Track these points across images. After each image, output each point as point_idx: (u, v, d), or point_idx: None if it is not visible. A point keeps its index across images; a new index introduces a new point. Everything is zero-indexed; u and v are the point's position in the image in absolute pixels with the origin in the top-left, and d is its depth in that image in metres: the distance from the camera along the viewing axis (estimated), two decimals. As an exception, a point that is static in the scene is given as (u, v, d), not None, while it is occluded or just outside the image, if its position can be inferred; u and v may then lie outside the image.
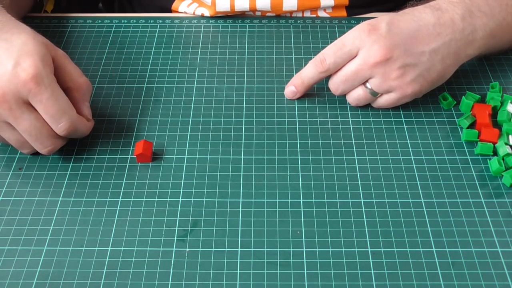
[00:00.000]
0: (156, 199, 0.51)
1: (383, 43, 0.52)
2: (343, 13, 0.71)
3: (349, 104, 0.59)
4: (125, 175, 0.53)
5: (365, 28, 0.53)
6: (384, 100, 0.56)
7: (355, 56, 0.54)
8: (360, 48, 0.53)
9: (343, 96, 0.60)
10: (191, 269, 0.46)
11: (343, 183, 0.52)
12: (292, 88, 0.59)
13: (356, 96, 0.56)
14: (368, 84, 0.55)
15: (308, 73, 0.57)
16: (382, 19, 0.54)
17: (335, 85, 0.56)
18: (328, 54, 0.55)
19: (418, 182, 0.52)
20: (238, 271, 0.46)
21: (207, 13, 0.70)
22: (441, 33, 0.54)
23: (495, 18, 0.57)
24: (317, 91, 0.61)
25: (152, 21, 0.71)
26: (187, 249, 0.47)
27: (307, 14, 0.71)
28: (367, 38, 0.53)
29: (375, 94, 0.56)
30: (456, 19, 0.55)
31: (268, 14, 0.71)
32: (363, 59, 0.53)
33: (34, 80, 0.48)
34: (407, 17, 0.54)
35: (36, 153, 0.54)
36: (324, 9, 0.71)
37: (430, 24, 0.54)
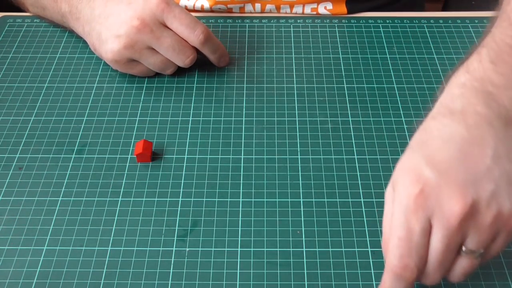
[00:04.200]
0: (156, 199, 0.51)
1: (449, 191, 0.38)
2: (343, 9, 0.71)
3: (349, 104, 0.59)
4: (125, 175, 0.53)
5: (413, 192, 0.39)
6: (494, 251, 0.41)
7: (430, 231, 0.39)
8: (429, 216, 0.39)
9: (343, 96, 0.60)
10: (191, 269, 0.46)
11: (343, 183, 0.52)
12: None
13: (461, 271, 0.41)
14: (465, 249, 0.40)
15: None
16: (414, 166, 0.40)
17: (432, 277, 0.41)
18: (405, 254, 0.39)
19: (418, 182, 0.52)
20: (238, 271, 0.46)
21: (206, 4, 0.70)
22: (483, 135, 0.40)
23: None
24: (317, 91, 0.61)
25: (152, 21, 0.71)
26: (187, 249, 0.47)
27: (308, 10, 0.71)
28: (426, 201, 0.39)
29: (480, 254, 0.40)
30: (482, 111, 0.41)
31: (268, 5, 0.71)
32: (444, 226, 0.38)
33: (163, 1, 0.57)
34: (436, 142, 0.41)
35: (173, 75, 0.62)
36: (325, 6, 0.71)
37: (465, 134, 0.40)
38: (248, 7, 0.71)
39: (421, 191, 0.38)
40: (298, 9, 0.71)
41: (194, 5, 0.71)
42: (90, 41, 0.62)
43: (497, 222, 0.38)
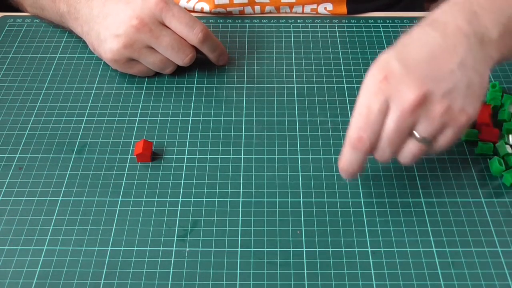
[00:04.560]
0: (156, 199, 0.51)
1: (408, 81, 0.44)
2: (343, 9, 0.71)
3: (349, 104, 0.59)
4: (125, 175, 0.53)
5: (378, 78, 0.45)
6: (442, 143, 0.46)
7: (387, 113, 0.45)
8: (388, 99, 0.44)
9: (343, 96, 0.60)
10: (191, 269, 0.46)
11: (343, 183, 0.52)
12: (345, 174, 0.48)
13: (409, 153, 0.46)
14: (416, 134, 0.45)
15: (351, 159, 0.46)
16: (387, 60, 0.45)
17: (382, 152, 0.46)
18: (361, 128, 0.45)
19: (418, 182, 0.52)
20: (238, 271, 0.46)
21: (206, 7, 0.70)
22: (456, 44, 0.45)
23: (505, 13, 0.48)
24: (317, 91, 0.61)
25: (152, 21, 0.71)
26: (187, 249, 0.47)
27: (307, 10, 0.71)
28: (388, 86, 0.44)
29: (428, 142, 0.45)
30: (463, 26, 0.46)
31: (267, 7, 0.71)
32: (398, 109, 0.44)
33: (162, 0, 0.57)
34: (412, 45, 0.46)
35: (171, 75, 0.62)
36: (325, 7, 0.71)
37: (440, 41, 0.46)
38: (248, 10, 0.71)
39: (384, 78, 0.44)
40: (297, 10, 0.71)
41: (194, 7, 0.71)
42: (89, 40, 0.62)
43: (446, 116, 0.44)
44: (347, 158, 0.46)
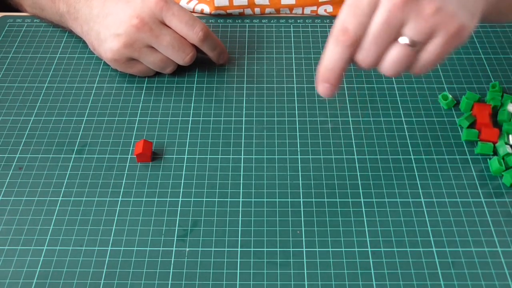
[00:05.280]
0: (156, 199, 0.51)
1: None
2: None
3: (349, 104, 0.59)
4: (125, 175, 0.53)
5: None
6: (429, 53, 0.42)
7: (377, 7, 0.41)
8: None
9: (343, 96, 0.60)
10: (191, 269, 0.46)
11: (343, 183, 0.52)
12: (324, 84, 0.44)
13: (394, 58, 0.42)
14: (404, 37, 0.42)
15: (333, 55, 0.43)
16: None
17: (366, 52, 0.42)
18: (347, 19, 0.42)
19: (418, 182, 0.52)
20: (238, 271, 0.46)
21: (206, 9, 0.70)
22: None
23: None
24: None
25: (152, 21, 0.71)
26: (187, 249, 0.47)
27: (307, 12, 0.71)
28: None
29: (415, 46, 0.42)
30: None
31: (267, 9, 0.71)
32: (388, 2, 0.40)
33: (162, 0, 0.57)
34: None
35: (173, 74, 0.62)
36: (325, 9, 0.71)
37: None
38: (248, 12, 0.71)
39: None
40: (298, 11, 0.71)
41: (194, 8, 0.71)
42: (89, 40, 0.62)
43: (437, 17, 0.40)
44: (329, 55, 0.42)
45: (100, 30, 0.59)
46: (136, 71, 0.61)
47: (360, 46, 0.42)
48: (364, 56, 0.43)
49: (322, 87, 0.44)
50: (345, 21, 0.41)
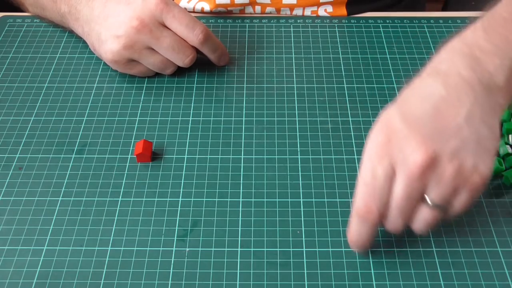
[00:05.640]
0: (156, 199, 0.51)
1: (413, 142, 0.40)
2: (343, 11, 0.71)
3: (349, 104, 0.59)
4: (125, 175, 0.53)
5: (381, 140, 0.42)
6: (457, 207, 0.43)
7: (394, 178, 0.41)
8: (393, 164, 0.41)
9: (343, 96, 0.60)
10: (191, 269, 0.46)
11: (343, 183, 0.52)
12: (356, 248, 0.46)
13: (422, 221, 0.43)
14: (428, 201, 0.42)
15: (360, 231, 0.44)
16: (388, 117, 0.43)
17: (393, 221, 0.43)
18: (368, 197, 0.42)
19: (418, 182, 0.52)
20: (238, 271, 0.46)
21: (207, 7, 0.70)
22: (460, 95, 0.42)
23: (509, 55, 0.43)
24: (317, 91, 0.61)
25: (152, 21, 0.71)
26: (187, 249, 0.47)
27: (308, 13, 0.71)
28: (392, 149, 0.41)
29: (442, 207, 0.42)
30: (465, 74, 0.42)
31: (268, 8, 0.71)
32: (405, 173, 0.40)
33: (163, 1, 0.57)
34: (414, 99, 0.43)
35: (171, 75, 0.62)
36: (325, 9, 0.71)
37: (443, 93, 0.42)
38: (248, 10, 0.71)
39: (388, 140, 0.41)
40: (298, 12, 0.71)
41: (194, 7, 0.71)
42: (90, 41, 0.62)
43: (458, 177, 0.40)
44: (356, 230, 0.43)
45: (101, 31, 0.59)
46: (136, 72, 0.61)
47: (385, 216, 0.43)
48: (392, 225, 0.43)
49: (354, 247, 0.46)
50: (367, 198, 0.42)
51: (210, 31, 0.60)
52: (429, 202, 0.41)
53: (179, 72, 0.62)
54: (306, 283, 0.45)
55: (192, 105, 0.60)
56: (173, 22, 0.57)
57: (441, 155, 0.40)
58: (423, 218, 0.43)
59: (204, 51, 0.61)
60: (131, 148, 0.55)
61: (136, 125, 0.57)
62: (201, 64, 0.64)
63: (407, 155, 0.40)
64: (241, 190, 0.51)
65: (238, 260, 0.46)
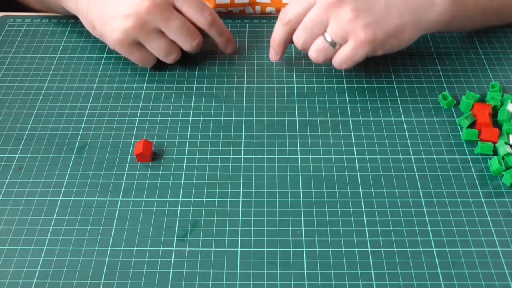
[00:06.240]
0: (156, 199, 0.51)
1: None
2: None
3: (349, 104, 0.59)
4: (125, 175, 0.53)
5: None
6: (342, 54, 0.56)
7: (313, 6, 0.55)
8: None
9: (343, 96, 0.60)
10: (191, 269, 0.46)
11: (343, 183, 0.52)
12: (271, 51, 0.61)
13: (315, 47, 0.56)
14: (326, 35, 0.55)
15: (276, 31, 0.59)
16: None
17: (297, 35, 0.57)
18: (289, 7, 0.57)
19: (418, 182, 0.52)
20: (238, 271, 0.46)
21: None
22: None
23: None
24: (317, 91, 0.61)
25: (152, 21, 0.71)
26: (187, 249, 0.47)
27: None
28: None
29: (333, 45, 0.56)
30: None
31: (268, 8, 0.71)
32: (319, 3, 0.54)
33: None
34: None
35: (172, 64, 0.63)
36: None
37: None
38: (248, 10, 0.71)
39: None
40: None
41: None
42: (88, 19, 0.60)
43: (350, 25, 0.54)
44: (274, 30, 0.59)
45: (105, 9, 0.58)
46: (137, 57, 0.60)
47: (295, 30, 0.57)
48: (295, 38, 0.58)
49: (270, 54, 0.62)
50: (287, 7, 0.57)
51: (216, 15, 0.60)
52: (327, 37, 0.55)
53: (180, 71, 0.62)
54: (306, 283, 0.45)
55: (192, 105, 0.60)
56: (183, 4, 0.58)
57: (348, 3, 0.53)
58: (317, 45, 0.56)
59: (212, 33, 0.61)
60: (131, 148, 0.55)
61: (136, 125, 0.57)
62: (201, 64, 0.64)
63: None
64: (241, 190, 0.51)
65: (238, 260, 0.46)
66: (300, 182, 0.52)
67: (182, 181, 0.52)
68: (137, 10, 0.56)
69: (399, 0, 0.55)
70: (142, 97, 0.60)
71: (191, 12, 0.58)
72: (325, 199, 0.51)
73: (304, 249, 0.47)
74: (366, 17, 0.54)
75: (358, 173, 0.53)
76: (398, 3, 0.55)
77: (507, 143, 0.54)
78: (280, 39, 0.59)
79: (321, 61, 0.57)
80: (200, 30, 0.60)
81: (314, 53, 0.57)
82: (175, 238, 0.48)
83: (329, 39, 0.55)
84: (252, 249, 0.47)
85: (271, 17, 0.71)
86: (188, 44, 0.59)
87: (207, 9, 0.59)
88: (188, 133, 0.57)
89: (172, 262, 0.46)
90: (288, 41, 0.59)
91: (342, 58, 0.56)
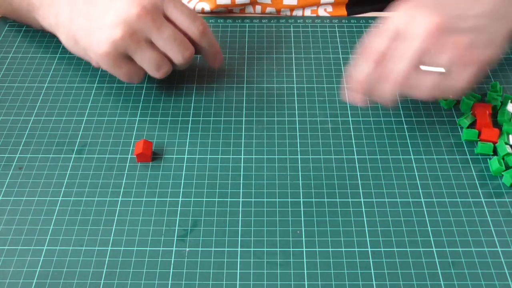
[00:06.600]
0: (156, 199, 0.51)
1: (428, 12, 0.47)
2: (343, 12, 0.71)
3: (349, 104, 0.59)
4: (125, 175, 0.53)
5: (408, 7, 0.49)
6: (455, 80, 0.49)
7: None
8: (406, 26, 0.48)
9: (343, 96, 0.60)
10: (191, 269, 0.46)
11: (343, 183, 0.52)
12: (357, 95, 0.53)
13: (428, 84, 0.49)
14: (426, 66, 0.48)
15: (363, 70, 0.51)
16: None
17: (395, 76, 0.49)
18: (376, 41, 0.50)
19: (418, 182, 0.52)
20: (238, 271, 0.46)
21: (207, 7, 0.70)
22: None
23: None
24: (317, 91, 0.61)
25: (152, 21, 0.71)
26: (187, 249, 0.47)
27: (308, 13, 0.71)
28: (413, 13, 0.48)
29: (447, 74, 0.48)
30: None
31: (268, 8, 0.71)
32: (422, 29, 0.47)
33: None
34: None
35: (158, 81, 0.59)
36: (325, 8, 0.71)
37: None
38: (249, 10, 0.71)
39: (415, 4, 0.49)
40: (298, 13, 0.71)
41: (194, 7, 0.71)
42: (69, 33, 0.56)
43: (457, 49, 0.47)
44: (361, 69, 0.51)
45: (90, 20, 0.54)
46: (125, 72, 0.56)
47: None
48: (392, 75, 0.49)
49: (355, 98, 0.52)
50: (375, 48, 0.50)
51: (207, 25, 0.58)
52: (427, 67, 0.48)
53: (179, 71, 0.62)
54: (306, 283, 0.45)
55: (192, 105, 0.60)
56: (174, 12, 0.54)
57: (447, 26, 0.47)
58: (429, 82, 0.49)
59: (203, 44, 0.57)
60: (131, 148, 0.55)
61: (136, 125, 0.57)
62: (201, 64, 0.64)
63: (419, 19, 0.47)
64: (241, 190, 0.51)
65: (238, 260, 0.46)
66: (300, 182, 0.52)
67: (182, 181, 0.52)
68: (126, 18, 0.52)
69: (492, 5, 0.49)
70: (142, 97, 0.61)
71: (182, 20, 0.55)
72: (325, 199, 0.51)
73: (304, 249, 0.47)
74: (482, 39, 0.48)
75: (358, 173, 0.53)
76: (491, 9, 0.49)
77: (507, 143, 0.54)
78: (366, 76, 0.51)
79: (434, 94, 0.50)
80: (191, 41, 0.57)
81: (425, 90, 0.49)
82: (175, 238, 0.48)
83: (442, 70, 0.48)
84: (252, 249, 0.47)
85: (271, 17, 0.71)
86: (180, 54, 0.55)
87: (198, 18, 0.56)
88: (188, 133, 0.57)
89: (172, 262, 0.46)
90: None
91: (457, 84, 0.50)
